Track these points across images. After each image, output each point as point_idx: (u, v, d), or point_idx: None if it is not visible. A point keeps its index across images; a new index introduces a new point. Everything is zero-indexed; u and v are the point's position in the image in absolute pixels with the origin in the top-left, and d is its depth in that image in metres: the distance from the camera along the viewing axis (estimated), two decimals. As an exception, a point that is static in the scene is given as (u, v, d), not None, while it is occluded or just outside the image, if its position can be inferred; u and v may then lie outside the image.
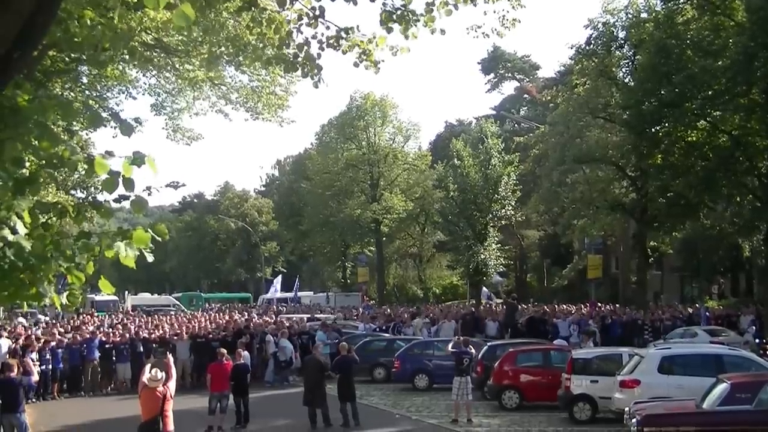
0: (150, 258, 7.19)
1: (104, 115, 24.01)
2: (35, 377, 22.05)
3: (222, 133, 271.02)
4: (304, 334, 38.96)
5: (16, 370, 20.74)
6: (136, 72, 25.77)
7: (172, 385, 15.94)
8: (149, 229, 6.96)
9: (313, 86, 12.69)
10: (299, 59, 12.40)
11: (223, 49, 17.51)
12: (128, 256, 6.96)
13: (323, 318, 45.89)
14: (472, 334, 37.72)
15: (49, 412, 28.39)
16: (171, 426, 15.71)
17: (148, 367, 16.27)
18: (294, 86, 26.74)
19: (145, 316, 54.11)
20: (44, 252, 6.67)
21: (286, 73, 18.11)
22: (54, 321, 45.70)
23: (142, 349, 34.78)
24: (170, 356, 17.60)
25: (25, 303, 7.42)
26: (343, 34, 12.15)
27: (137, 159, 6.74)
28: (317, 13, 11.91)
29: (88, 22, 10.86)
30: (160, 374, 15.65)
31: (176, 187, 7.72)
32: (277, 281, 79.27)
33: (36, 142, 6.89)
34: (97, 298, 70.62)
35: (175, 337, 36.47)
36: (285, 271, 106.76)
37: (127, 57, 19.49)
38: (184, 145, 37.95)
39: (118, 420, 26.58)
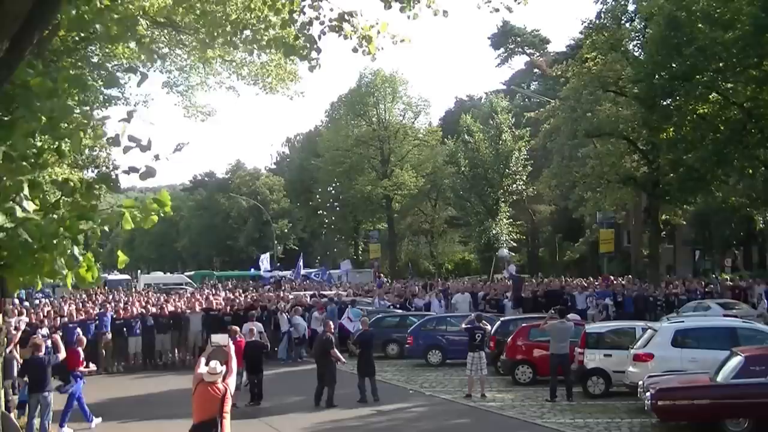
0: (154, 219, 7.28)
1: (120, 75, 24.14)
2: (63, 354, 22.18)
3: (232, 112, 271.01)
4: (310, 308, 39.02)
5: (44, 349, 20.87)
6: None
7: (232, 381, 13.62)
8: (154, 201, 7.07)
9: (309, 70, 12.64)
10: (299, 42, 12.36)
11: (221, 30, 17.37)
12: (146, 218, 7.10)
13: (329, 294, 45.93)
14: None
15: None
16: (228, 429, 13.30)
17: (203, 359, 13.85)
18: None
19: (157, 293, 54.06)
20: (56, 230, 6.69)
21: (286, 57, 18.04)
22: (64, 298, 45.83)
23: (152, 323, 35.17)
24: (231, 344, 14.51)
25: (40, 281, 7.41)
26: (347, 17, 12.05)
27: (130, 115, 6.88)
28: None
29: (98, 4, 10.82)
30: (221, 367, 13.30)
31: (180, 148, 7.79)
32: (265, 258, 78.96)
33: (47, 121, 6.90)
34: (110, 277, 70.90)
35: (188, 311, 36.68)
36: (297, 248, 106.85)
37: (134, 46, 19.46)
38: (199, 122, 37.98)
39: (134, 398, 26.80)
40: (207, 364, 13.49)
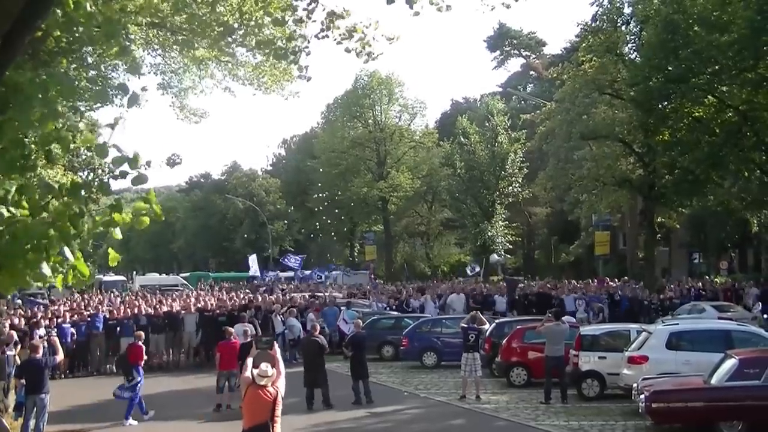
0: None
1: (111, 91, 23.91)
2: (60, 356, 22.22)
3: (228, 112, 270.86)
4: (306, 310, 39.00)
5: (41, 351, 20.88)
6: (141, 51, 25.59)
7: (281, 384, 13.17)
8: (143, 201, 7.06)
9: (299, 78, 12.64)
10: (291, 44, 12.34)
11: (209, 31, 17.29)
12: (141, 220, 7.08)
13: (321, 296, 46.05)
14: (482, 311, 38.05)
15: (58, 392, 28.40)
16: None
17: (250, 361, 13.37)
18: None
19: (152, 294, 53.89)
20: (46, 231, 6.67)
21: (276, 60, 17.99)
22: (60, 299, 45.80)
23: (145, 323, 34.94)
24: (277, 347, 14.00)
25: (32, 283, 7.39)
26: (341, 15, 11.99)
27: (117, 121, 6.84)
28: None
29: (89, 7, 10.75)
30: (271, 370, 12.91)
31: (172, 164, 7.76)
32: (253, 260, 79.39)
33: (38, 123, 6.87)
34: (105, 278, 70.72)
35: (183, 311, 36.59)
36: (293, 249, 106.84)
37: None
38: (192, 124, 37.50)
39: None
40: (255, 367, 13.09)
